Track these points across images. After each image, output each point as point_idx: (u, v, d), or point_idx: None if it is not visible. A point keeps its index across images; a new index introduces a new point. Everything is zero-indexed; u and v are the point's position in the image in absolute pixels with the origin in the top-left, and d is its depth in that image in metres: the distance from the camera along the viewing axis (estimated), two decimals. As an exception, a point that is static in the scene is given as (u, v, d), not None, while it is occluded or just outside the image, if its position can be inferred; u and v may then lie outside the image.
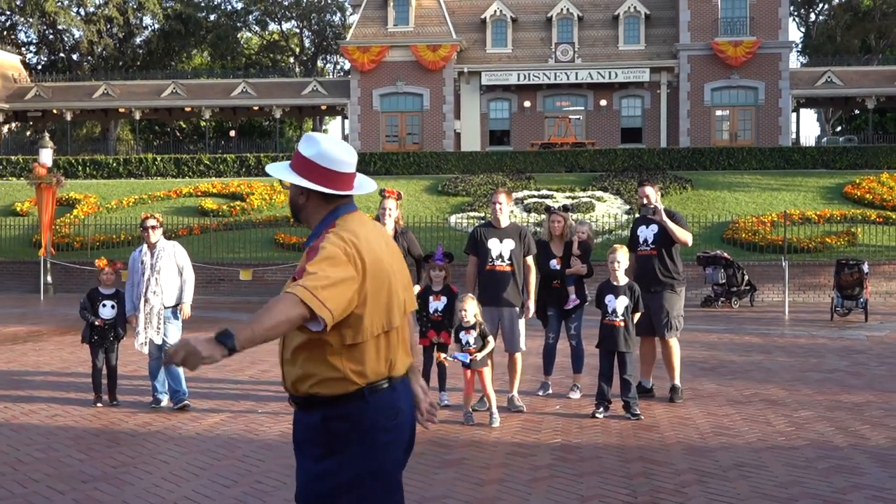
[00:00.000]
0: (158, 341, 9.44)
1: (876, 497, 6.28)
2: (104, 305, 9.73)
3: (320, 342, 3.42)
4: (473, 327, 8.60)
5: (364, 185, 3.72)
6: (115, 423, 8.81)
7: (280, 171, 3.60)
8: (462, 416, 8.81)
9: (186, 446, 7.88)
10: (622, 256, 8.99)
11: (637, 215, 11.00)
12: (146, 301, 9.39)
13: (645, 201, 9.74)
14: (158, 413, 9.26)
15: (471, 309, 8.58)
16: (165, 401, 9.55)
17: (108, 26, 58.33)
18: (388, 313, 3.52)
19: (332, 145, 3.56)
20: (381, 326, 3.49)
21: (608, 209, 29.11)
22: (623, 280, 8.98)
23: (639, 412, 8.83)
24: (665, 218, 9.48)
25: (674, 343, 9.65)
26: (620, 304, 8.84)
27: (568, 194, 30.63)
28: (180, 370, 9.46)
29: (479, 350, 8.60)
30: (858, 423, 8.57)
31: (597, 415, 8.84)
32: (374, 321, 3.47)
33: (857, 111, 55.57)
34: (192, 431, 8.43)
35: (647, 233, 9.69)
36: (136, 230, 27.87)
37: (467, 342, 8.59)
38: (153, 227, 9.56)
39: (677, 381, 9.74)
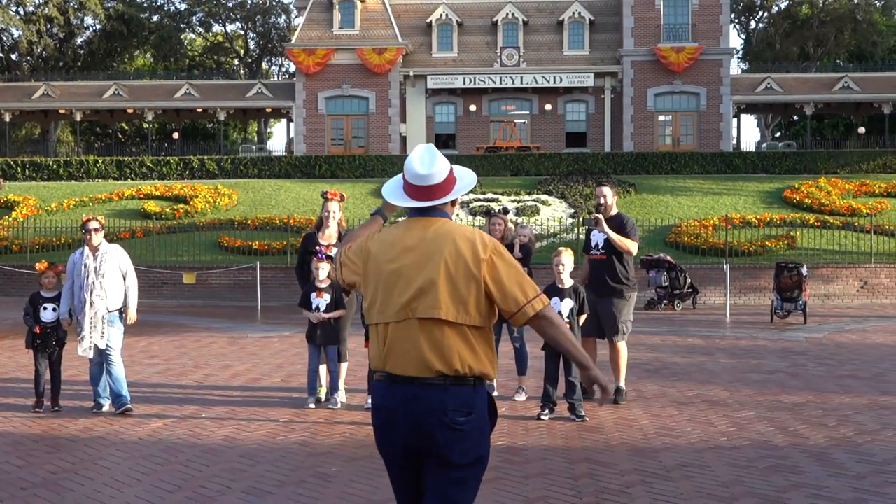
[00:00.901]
0: (102, 346, 9.29)
1: (815, 495, 6.39)
2: (45, 309, 9.58)
3: None
4: None
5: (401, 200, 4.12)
6: (55, 429, 8.67)
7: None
8: None
9: (128, 451, 7.78)
10: (567, 259, 9.04)
11: (584, 217, 11.08)
12: (91, 305, 9.24)
13: (602, 200, 9.80)
14: (100, 418, 9.13)
15: None
16: (107, 406, 9.42)
17: (49, 26, 57.35)
18: (380, 309, 3.85)
19: (410, 160, 4.01)
20: (373, 318, 3.87)
21: (553, 213, 29.29)
22: (568, 283, 9.04)
23: (584, 414, 8.90)
24: (606, 229, 9.54)
25: (622, 346, 9.74)
26: (566, 306, 8.89)
27: (513, 198, 30.75)
28: (122, 375, 9.36)
29: None
30: (798, 423, 8.71)
31: (542, 416, 8.89)
32: (371, 311, 3.89)
33: (795, 117, 56.50)
34: (134, 437, 8.33)
35: (598, 237, 9.76)
36: (76, 233, 27.45)
37: None
38: (95, 230, 9.41)
39: (622, 384, 9.82)
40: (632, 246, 9.64)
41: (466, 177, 4.12)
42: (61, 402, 9.63)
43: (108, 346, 9.29)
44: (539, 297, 3.90)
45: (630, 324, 9.89)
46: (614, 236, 9.53)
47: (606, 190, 9.84)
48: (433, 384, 3.74)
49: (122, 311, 9.48)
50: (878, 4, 57.62)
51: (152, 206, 31.43)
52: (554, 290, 9.02)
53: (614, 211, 9.84)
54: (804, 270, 19.02)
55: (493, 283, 3.81)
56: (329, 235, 9.79)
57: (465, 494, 3.77)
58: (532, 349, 10.22)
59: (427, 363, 3.74)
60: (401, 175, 4.08)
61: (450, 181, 4.00)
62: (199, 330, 17.48)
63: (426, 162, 3.96)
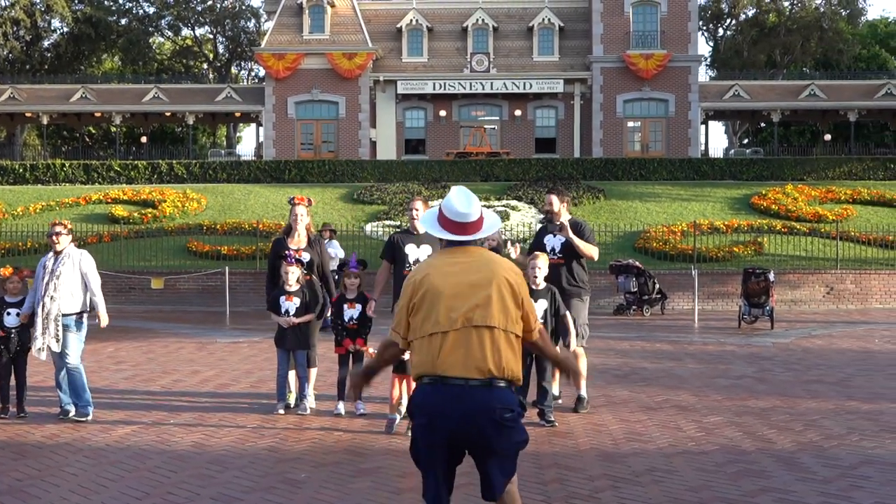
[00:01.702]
0: (56, 349, 9.19)
1: (782, 499, 6.44)
2: (9, 314, 9.49)
3: None
4: None
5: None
6: (20, 435, 8.59)
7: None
8: (385, 424, 8.79)
9: (95, 458, 7.72)
10: (542, 263, 9.05)
11: (540, 224, 11.12)
12: (43, 306, 9.17)
13: (548, 207, 9.88)
14: (66, 424, 9.05)
15: None
16: (73, 412, 9.33)
17: (15, 29, 56.83)
18: (437, 321, 4.56)
19: (450, 200, 4.82)
20: (427, 330, 4.58)
21: (522, 218, 29.36)
22: (542, 284, 9.05)
23: (553, 419, 8.92)
24: (571, 235, 9.58)
25: (581, 352, 9.74)
26: (540, 307, 8.91)
27: (483, 203, 30.62)
28: (82, 382, 9.29)
29: None
30: (765, 428, 8.78)
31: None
32: (426, 325, 4.59)
33: (763, 124, 57.00)
34: (101, 443, 8.26)
35: (554, 242, 9.79)
36: (43, 238, 27.19)
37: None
38: (58, 234, 9.37)
39: (583, 392, 9.80)
40: (594, 252, 9.68)
41: (492, 218, 4.94)
42: (28, 409, 9.54)
43: (64, 352, 9.22)
44: (538, 320, 4.91)
45: (587, 328, 9.90)
46: (578, 242, 9.57)
47: (552, 197, 9.92)
48: (480, 385, 4.51)
49: (80, 317, 9.38)
50: (843, 13, 58.24)
51: (120, 210, 31.19)
52: (529, 293, 8.99)
53: (566, 217, 9.86)
54: (771, 276, 19.17)
55: (527, 305, 4.78)
56: (298, 240, 9.80)
57: (512, 465, 4.70)
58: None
59: (479, 364, 4.52)
60: (436, 210, 4.88)
61: (481, 220, 4.84)
62: (167, 335, 17.37)
63: (465, 203, 4.77)
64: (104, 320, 9.51)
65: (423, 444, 4.58)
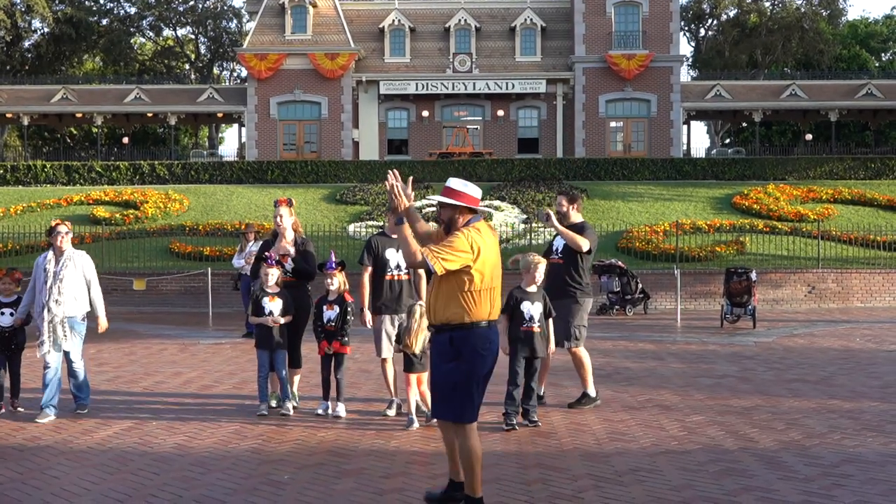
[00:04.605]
0: (66, 348, 9.29)
1: (764, 498, 6.47)
2: (2, 314, 9.53)
3: (454, 288, 5.98)
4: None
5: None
6: (1, 438, 8.53)
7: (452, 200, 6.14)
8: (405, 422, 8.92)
9: (77, 461, 7.68)
10: (542, 269, 9.04)
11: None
12: (48, 310, 9.18)
13: (557, 208, 10.02)
14: (48, 426, 9.00)
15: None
16: (53, 416, 9.30)
17: (-5, 29, 56.52)
18: (491, 279, 6.06)
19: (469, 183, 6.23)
20: (488, 285, 6.03)
21: (506, 218, 29.38)
22: (534, 289, 9.03)
23: (537, 419, 8.92)
24: (555, 222, 9.62)
25: (581, 352, 9.79)
26: (536, 310, 8.90)
27: (466, 203, 30.72)
28: (84, 378, 9.46)
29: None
30: (748, 427, 8.81)
31: (513, 425, 8.80)
32: (484, 281, 6.00)
33: (744, 124, 57.24)
34: (83, 445, 8.22)
35: (558, 242, 9.89)
36: (24, 239, 27.11)
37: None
38: (66, 234, 9.45)
39: (588, 390, 9.87)
40: (582, 242, 9.64)
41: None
42: (19, 409, 9.70)
43: (70, 352, 9.34)
44: (430, 250, 5.90)
45: (583, 329, 9.91)
46: (563, 230, 9.61)
47: (561, 197, 10.06)
48: None
49: (83, 318, 9.46)
50: (824, 14, 58.56)
51: (102, 211, 31.08)
52: (524, 295, 8.96)
53: (578, 219, 9.92)
54: (753, 276, 19.25)
55: None
56: (289, 241, 9.76)
57: None
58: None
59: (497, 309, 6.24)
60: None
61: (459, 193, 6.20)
62: (149, 337, 17.31)
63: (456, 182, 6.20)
64: (103, 325, 9.61)
65: (489, 369, 6.13)
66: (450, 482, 6.35)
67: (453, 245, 5.89)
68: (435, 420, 6.67)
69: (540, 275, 8.98)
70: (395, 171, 6.10)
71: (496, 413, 9.15)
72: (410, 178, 6.42)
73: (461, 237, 5.93)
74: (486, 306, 6.03)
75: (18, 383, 9.82)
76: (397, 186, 6.00)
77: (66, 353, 9.35)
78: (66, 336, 9.26)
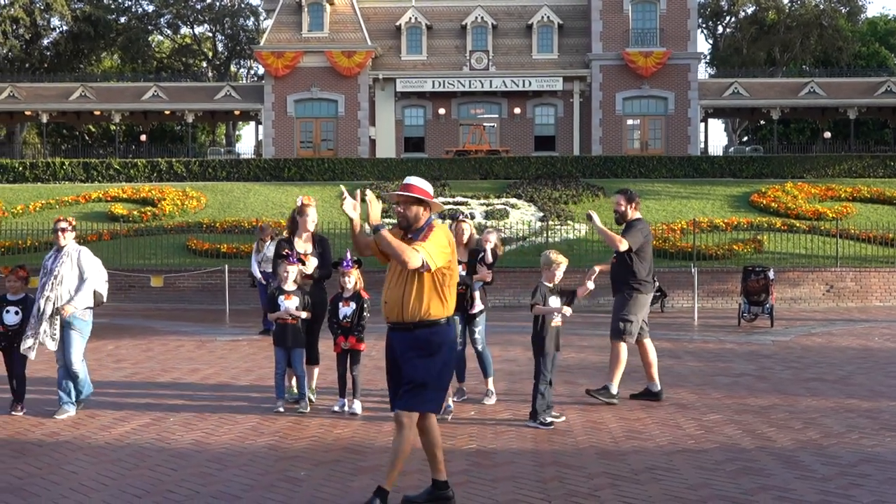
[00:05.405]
0: (52, 347, 9.20)
1: (782, 497, 6.44)
2: (8, 312, 9.48)
3: (433, 285, 6.03)
4: None
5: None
6: (21, 433, 8.58)
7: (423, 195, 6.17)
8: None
9: (95, 456, 7.71)
10: (562, 268, 9.02)
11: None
12: (38, 305, 9.17)
13: (615, 207, 10.29)
14: (66, 422, 9.05)
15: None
16: (73, 411, 9.33)
17: (14, 27, 56.83)
18: (451, 276, 6.14)
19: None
20: (455, 280, 6.23)
21: (522, 216, 29.34)
22: (552, 285, 8.99)
23: (549, 421, 8.89)
24: (597, 223, 9.83)
25: (620, 348, 9.90)
26: (554, 302, 8.87)
27: (482, 201, 30.76)
28: (84, 378, 9.33)
29: None
30: (765, 426, 8.78)
31: (554, 421, 8.81)
32: (455, 276, 6.19)
33: (762, 122, 57.04)
34: (101, 441, 8.26)
35: None
36: (42, 236, 27.23)
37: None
38: (63, 230, 9.37)
39: (612, 387, 9.92)
40: (618, 242, 9.77)
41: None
42: (24, 408, 9.56)
43: (67, 351, 9.23)
44: (423, 248, 6.03)
45: (630, 325, 9.91)
46: (603, 230, 9.85)
47: (619, 196, 10.25)
48: None
49: (83, 314, 9.36)
50: (843, 11, 58.25)
51: (119, 208, 31.20)
52: (551, 290, 8.92)
53: (636, 216, 10.16)
54: (771, 274, 19.17)
55: None
56: (307, 239, 9.82)
57: None
58: (503, 352, 10.21)
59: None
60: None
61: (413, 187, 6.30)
62: (166, 333, 17.36)
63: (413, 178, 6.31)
64: (67, 311, 9.17)
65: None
66: (433, 482, 6.38)
67: (438, 241, 6.03)
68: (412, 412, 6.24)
69: (559, 275, 8.95)
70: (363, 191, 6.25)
71: (510, 410, 9.14)
72: (358, 190, 6.34)
73: (440, 233, 6.08)
74: (453, 301, 6.24)
75: (23, 385, 9.60)
76: (368, 198, 6.05)
77: (67, 354, 9.23)
78: (54, 333, 9.18)
